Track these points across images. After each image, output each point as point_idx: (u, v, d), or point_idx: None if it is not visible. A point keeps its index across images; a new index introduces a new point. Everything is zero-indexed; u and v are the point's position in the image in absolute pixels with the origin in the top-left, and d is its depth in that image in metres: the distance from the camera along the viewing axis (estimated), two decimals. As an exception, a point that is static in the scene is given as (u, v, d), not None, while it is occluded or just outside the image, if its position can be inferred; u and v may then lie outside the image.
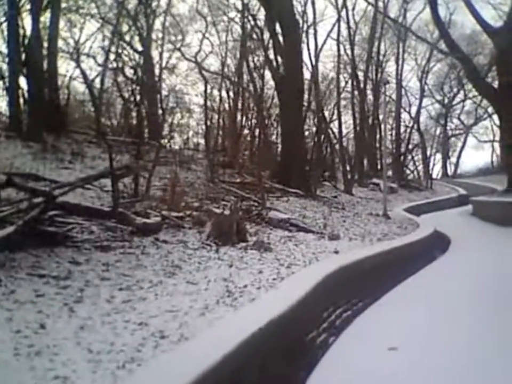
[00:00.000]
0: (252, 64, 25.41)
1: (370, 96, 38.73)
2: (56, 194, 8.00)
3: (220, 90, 24.01)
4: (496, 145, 56.94)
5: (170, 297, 6.27)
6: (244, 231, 10.37)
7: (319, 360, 6.51)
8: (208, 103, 24.96)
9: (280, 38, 21.20)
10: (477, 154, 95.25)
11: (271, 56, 23.27)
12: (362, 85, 35.86)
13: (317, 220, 14.57)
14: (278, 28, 21.46)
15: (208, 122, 22.87)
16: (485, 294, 9.19)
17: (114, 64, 26.76)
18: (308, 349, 6.54)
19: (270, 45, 23.42)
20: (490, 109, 52.45)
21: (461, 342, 6.52)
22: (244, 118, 25.73)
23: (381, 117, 40.56)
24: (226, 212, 10.47)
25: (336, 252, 10.29)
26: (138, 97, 21.66)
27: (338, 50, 32.51)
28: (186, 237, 9.76)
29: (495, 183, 37.57)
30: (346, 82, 36.25)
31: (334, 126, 33.22)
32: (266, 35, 23.69)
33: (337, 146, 31.55)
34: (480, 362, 5.86)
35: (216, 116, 23.88)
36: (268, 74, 25.47)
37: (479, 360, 5.92)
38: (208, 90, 26.11)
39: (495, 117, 53.48)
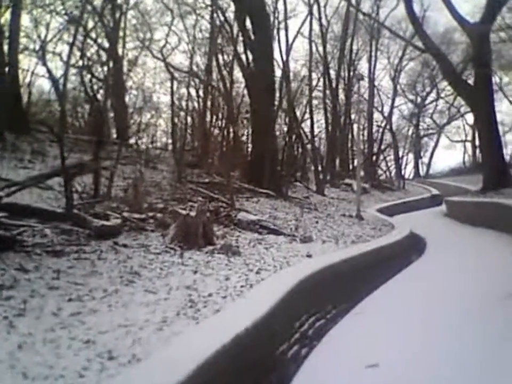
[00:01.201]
0: (221, 61, 24.76)
1: (342, 96, 38.35)
2: (1, 195, 7.27)
3: (187, 88, 23.31)
4: (468, 145, 57.34)
5: (125, 308, 5.65)
6: (211, 234, 9.75)
7: (291, 378, 5.95)
8: (177, 101, 24.28)
9: (251, 34, 20.61)
10: (448, 154, 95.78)
11: (241, 52, 22.67)
12: (334, 84, 35.40)
13: (289, 222, 13.99)
14: (248, 24, 20.88)
15: (176, 121, 22.15)
16: (466, 300, 8.72)
17: (81, 62, 25.91)
18: (278, 365, 5.97)
19: (240, 41, 22.85)
20: (463, 109, 53.01)
21: (444, 362, 6.01)
22: (214, 117, 25.09)
23: (353, 116, 40.39)
24: (192, 213, 9.82)
25: (309, 256, 9.73)
26: (101, 95, 20.94)
27: (310, 47, 32.08)
28: (148, 241, 9.10)
29: (467, 183, 37.55)
30: (319, 80, 35.80)
31: (306, 125, 32.76)
32: (236, 31, 23.10)
33: (309, 146, 31.07)
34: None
35: (185, 115, 23.10)
36: (238, 73, 25.00)
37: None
38: (177, 88, 25.49)
39: (467, 116, 54.44)
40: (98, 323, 5.07)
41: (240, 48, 22.75)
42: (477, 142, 53.09)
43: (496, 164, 23.94)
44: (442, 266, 12.37)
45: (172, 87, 21.17)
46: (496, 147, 24.43)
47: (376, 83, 45.62)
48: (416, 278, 11.17)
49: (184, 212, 10.79)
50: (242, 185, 17.28)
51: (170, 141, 23.99)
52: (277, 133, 26.69)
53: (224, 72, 24.31)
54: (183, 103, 25.35)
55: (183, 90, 26.55)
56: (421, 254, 14.62)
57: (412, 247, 15.04)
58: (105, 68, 24.32)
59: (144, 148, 21.29)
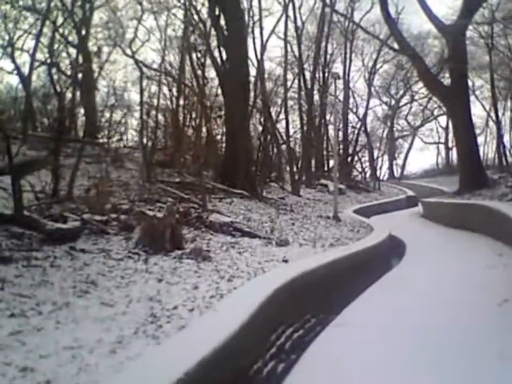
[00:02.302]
0: (194, 59, 23.97)
1: (317, 97, 37.81)
2: None
3: (159, 85, 22.41)
4: (441, 147, 57.45)
5: (75, 325, 4.90)
6: (180, 237, 8.98)
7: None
8: (148, 99, 23.40)
9: (225, 31, 19.87)
10: (422, 155, 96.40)
11: (215, 49, 21.93)
12: (309, 84, 34.85)
13: (264, 224, 13.24)
14: (222, 22, 20.16)
15: (148, 119, 21.28)
16: (456, 309, 8.07)
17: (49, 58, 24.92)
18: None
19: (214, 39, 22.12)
20: (436, 111, 53.27)
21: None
22: (188, 116, 24.27)
23: (328, 117, 39.93)
24: (160, 215, 9.06)
25: (285, 261, 9.02)
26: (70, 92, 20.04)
27: (286, 47, 31.49)
28: (110, 245, 8.31)
29: (441, 185, 37.67)
30: (293, 80, 35.20)
31: (281, 126, 32.16)
32: (209, 26, 22.32)
33: (284, 146, 30.46)
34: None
35: (159, 114, 22.16)
36: (213, 72, 24.21)
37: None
38: (149, 86, 24.58)
39: (440, 119, 54.73)
40: (41, 344, 4.34)
41: (214, 46, 21.98)
42: (450, 144, 54.23)
43: (472, 165, 23.61)
44: (425, 271, 11.62)
45: (141, 83, 20.27)
46: (472, 147, 24.09)
47: (351, 85, 45.26)
48: (398, 285, 10.33)
49: (151, 213, 10.06)
50: (215, 186, 16.50)
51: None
52: (252, 133, 26.08)
53: (199, 72, 23.52)
54: (156, 101, 24.49)
55: (156, 89, 25.72)
56: (401, 257, 13.90)
57: (392, 250, 14.40)
58: (75, 65, 23.42)
59: (113, 146, 20.38)
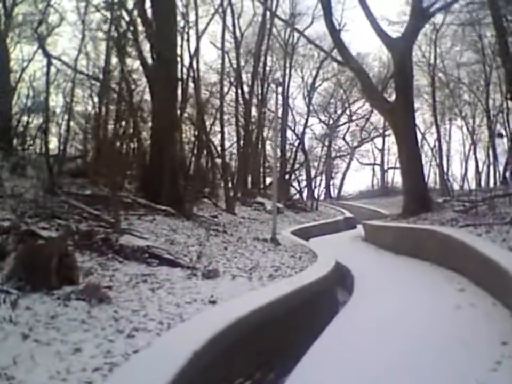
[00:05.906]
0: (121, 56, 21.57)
1: (254, 112, 36.14)
2: None
3: (73, 84, 19.82)
4: (377, 168, 57.07)
5: None
6: (72, 267, 6.71)
7: None
8: (66, 102, 20.83)
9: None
10: (357, 176, 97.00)
11: (145, 45, 19.67)
12: (247, 96, 33.09)
13: (190, 248, 11.03)
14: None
15: (58, 121, 18.81)
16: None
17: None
18: None
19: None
20: (372, 133, 52.99)
21: None
22: (112, 121, 21.78)
23: (265, 133, 38.44)
24: (46, 234, 6.79)
25: (213, 302, 6.85)
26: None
27: (223, 56, 29.62)
28: (-34, 279, 5.97)
29: (380, 207, 36.90)
30: (229, 88, 33.33)
31: (217, 138, 30.16)
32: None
33: (218, 160, 28.36)
34: None
35: (69, 114, 19.58)
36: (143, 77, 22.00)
37: None
38: (67, 87, 21.97)
39: (377, 140, 54.46)
40: None
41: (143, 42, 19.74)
42: (385, 166, 54.08)
43: (416, 186, 22.23)
44: (381, 311, 9.64)
45: (47, 74, 17.46)
46: (417, 168, 22.77)
47: (289, 101, 43.86)
48: (353, 335, 8.19)
49: (45, 234, 7.78)
50: (136, 200, 14.17)
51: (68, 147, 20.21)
52: (185, 145, 24.05)
53: (130, 77, 21.18)
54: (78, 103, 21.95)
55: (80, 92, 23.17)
56: (350, 292, 11.89)
57: (340, 284, 12.44)
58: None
59: (25, 152, 17.74)
